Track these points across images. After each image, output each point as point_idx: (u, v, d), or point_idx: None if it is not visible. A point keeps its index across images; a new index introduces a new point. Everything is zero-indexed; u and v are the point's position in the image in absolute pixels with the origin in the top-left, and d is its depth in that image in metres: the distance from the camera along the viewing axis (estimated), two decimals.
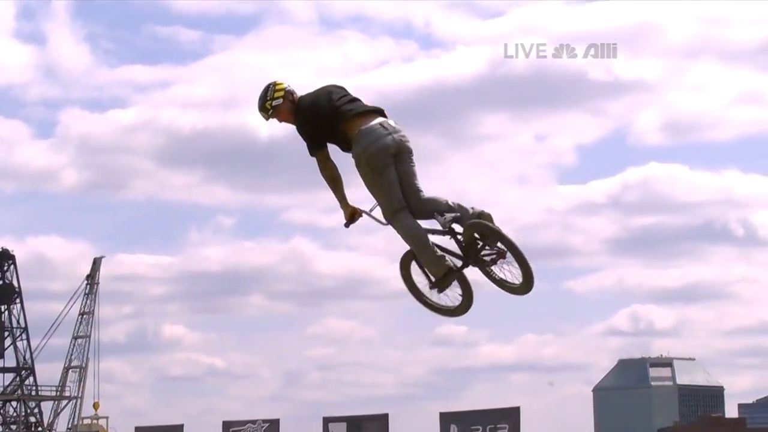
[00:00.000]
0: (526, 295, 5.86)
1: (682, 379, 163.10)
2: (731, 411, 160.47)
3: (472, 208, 5.84)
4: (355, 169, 5.89)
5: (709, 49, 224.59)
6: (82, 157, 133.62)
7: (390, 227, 5.91)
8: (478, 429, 21.71)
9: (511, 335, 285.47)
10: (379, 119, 5.89)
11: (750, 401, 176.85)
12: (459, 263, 5.88)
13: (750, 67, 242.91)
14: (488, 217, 5.81)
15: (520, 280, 5.83)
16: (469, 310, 6.06)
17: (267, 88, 6.02)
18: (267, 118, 6.06)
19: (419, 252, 5.88)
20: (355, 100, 6.04)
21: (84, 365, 64.03)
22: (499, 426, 21.53)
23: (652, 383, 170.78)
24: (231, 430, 26.54)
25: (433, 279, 5.94)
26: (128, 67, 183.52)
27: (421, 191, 5.91)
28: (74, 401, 64.20)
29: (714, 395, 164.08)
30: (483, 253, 5.84)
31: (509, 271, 5.87)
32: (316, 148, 5.89)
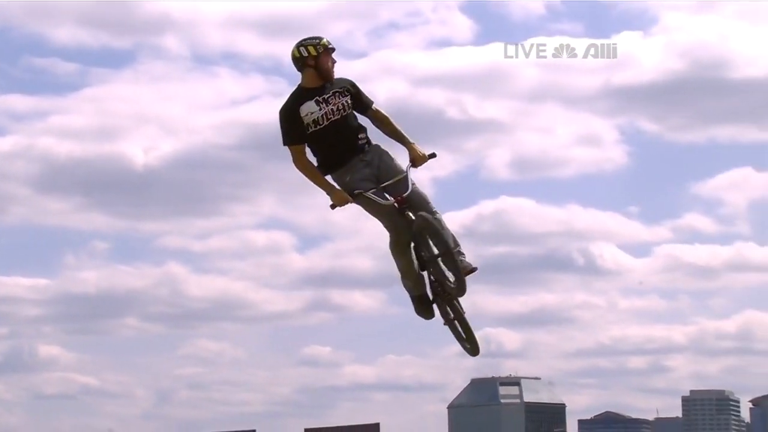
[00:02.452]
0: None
1: (529, 397, 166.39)
2: (572, 426, 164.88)
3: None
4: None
5: (553, 94, 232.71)
6: None
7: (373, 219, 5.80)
8: None
9: (373, 356, 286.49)
10: None
11: (588, 417, 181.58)
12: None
13: (589, 111, 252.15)
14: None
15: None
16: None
17: (320, 37, 5.64)
18: (311, 54, 5.55)
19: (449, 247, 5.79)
20: None
21: None
22: None
23: (502, 401, 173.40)
24: None
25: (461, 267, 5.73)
26: (5, 96, 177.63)
27: None
28: None
29: (557, 412, 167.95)
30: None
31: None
32: (298, 141, 5.74)
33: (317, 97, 5.59)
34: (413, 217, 5.61)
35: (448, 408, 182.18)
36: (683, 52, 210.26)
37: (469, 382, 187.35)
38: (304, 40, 5.56)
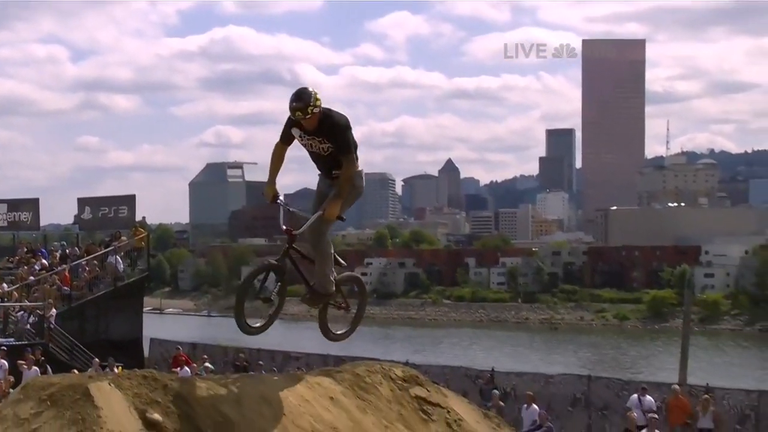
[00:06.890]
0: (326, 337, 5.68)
1: (249, 177, 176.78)
2: None
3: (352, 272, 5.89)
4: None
5: None
6: None
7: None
8: (106, 209, 23.03)
9: (132, 145, 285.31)
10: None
11: (291, 192, 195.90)
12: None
13: None
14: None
15: (344, 330, 5.78)
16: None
17: (310, 94, 5.04)
18: (300, 117, 5.05)
19: (327, 265, 5.37)
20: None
21: None
22: (120, 208, 22.78)
23: (229, 180, 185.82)
24: None
25: (317, 291, 5.40)
26: None
27: None
28: None
29: None
30: (336, 299, 5.62)
31: (338, 322, 5.79)
32: (285, 141, 5.23)
33: (301, 132, 5.20)
34: (290, 251, 5.26)
35: (189, 185, 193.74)
36: None
37: (204, 165, 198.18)
38: (297, 102, 5.04)
